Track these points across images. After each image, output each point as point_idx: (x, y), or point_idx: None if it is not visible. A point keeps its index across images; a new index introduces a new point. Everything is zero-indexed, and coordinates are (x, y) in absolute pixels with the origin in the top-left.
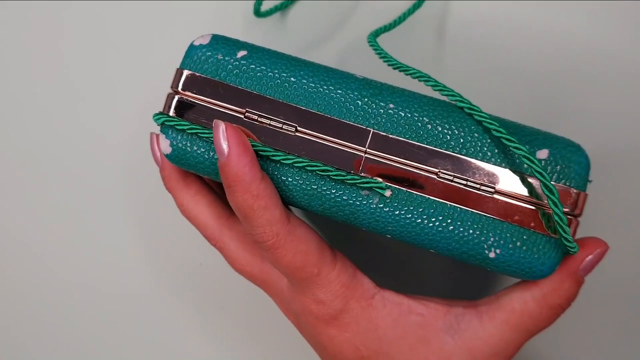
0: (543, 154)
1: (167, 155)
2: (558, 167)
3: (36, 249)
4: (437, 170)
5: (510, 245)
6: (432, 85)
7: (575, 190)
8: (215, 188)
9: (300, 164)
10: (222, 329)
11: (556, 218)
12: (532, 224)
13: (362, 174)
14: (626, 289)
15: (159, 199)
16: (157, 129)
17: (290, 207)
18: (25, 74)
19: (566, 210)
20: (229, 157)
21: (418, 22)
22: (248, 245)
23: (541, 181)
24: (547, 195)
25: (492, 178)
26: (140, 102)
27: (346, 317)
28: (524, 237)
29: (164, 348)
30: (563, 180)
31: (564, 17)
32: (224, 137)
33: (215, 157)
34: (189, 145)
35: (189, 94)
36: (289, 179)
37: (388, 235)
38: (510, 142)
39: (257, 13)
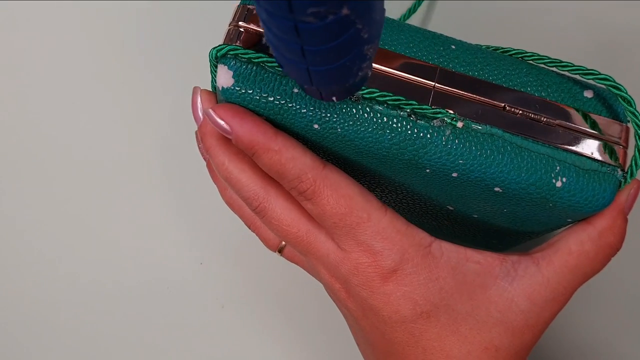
0: (589, 93)
1: (226, 89)
2: (606, 104)
3: (35, 243)
4: (503, 104)
5: (575, 173)
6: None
7: (622, 124)
8: None
9: (372, 95)
10: (223, 328)
11: (638, 146)
12: (593, 154)
13: (434, 106)
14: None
15: (159, 198)
16: (154, 130)
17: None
18: (39, 68)
19: (619, 141)
20: (234, 131)
21: (417, 23)
22: (293, 205)
23: (627, 110)
24: (635, 126)
25: (554, 112)
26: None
27: (406, 268)
28: (587, 165)
29: (164, 347)
30: (612, 115)
31: (564, 14)
32: (219, 118)
33: (283, 88)
34: (254, 75)
35: (254, 27)
36: (360, 113)
37: (454, 174)
38: (592, 74)
39: None
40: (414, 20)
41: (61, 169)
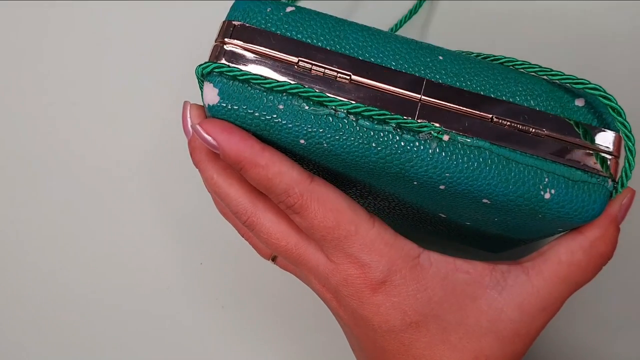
0: (580, 101)
1: (212, 106)
2: (596, 113)
3: (37, 245)
4: (491, 116)
5: (564, 185)
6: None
7: (614, 133)
8: None
9: (357, 110)
10: (223, 328)
11: (628, 157)
12: (583, 164)
13: (419, 120)
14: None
15: (159, 199)
16: (155, 131)
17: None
18: (36, 70)
19: (610, 150)
20: (221, 146)
21: (418, 23)
22: (282, 218)
23: (616, 120)
24: (624, 137)
25: (541, 123)
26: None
27: (395, 279)
28: (576, 176)
29: (164, 347)
30: (603, 124)
31: (565, 11)
32: (206, 133)
33: (268, 104)
34: (239, 92)
35: (239, 43)
36: (346, 127)
37: (442, 187)
38: (582, 83)
39: None
40: (415, 21)
41: (61, 169)
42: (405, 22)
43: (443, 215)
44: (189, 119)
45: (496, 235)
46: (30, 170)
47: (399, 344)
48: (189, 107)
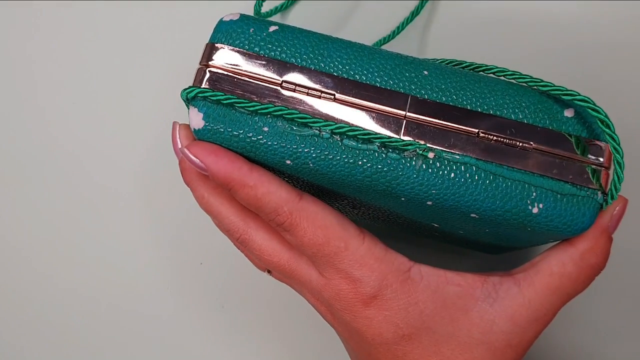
0: (570, 112)
1: (198, 130)
2: (586, 123)
3: (36, 247)
4: (477, 131)
5: (552, 199)
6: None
7: (605, 144)
8: None
9: (341, 130)
10: (223, 328)
11: (617, 169)
12: (571, 177)
13: (404, 137)
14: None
15: (159, 199)
16: (159, 129)
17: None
18: (35, 73)
19: (600, 162)
20: (209, 168)
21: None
22: (273, 235)
23: (605, 132)
24: (613, 150)
25: (529, 136)
26: (146, 103)
27: (386, 293)
28: (565, 190)
29: (164, 347)
30: (593, 135)
31: (563, 12)
32: (193, 156)
33: (253, 126)
34: (224, 116)
35: (222, 65)
36: (331, 147)
37: (429, 203)
38: (571, 95)
39: (258, 14)
40: (417, 23)
41: (61, 168)
42: (407, 23)
43: (436, 225)
44: (178, 141)
45: (490, 243)
46: (30, 170)
47: (392, 356)
48: (177, 128)
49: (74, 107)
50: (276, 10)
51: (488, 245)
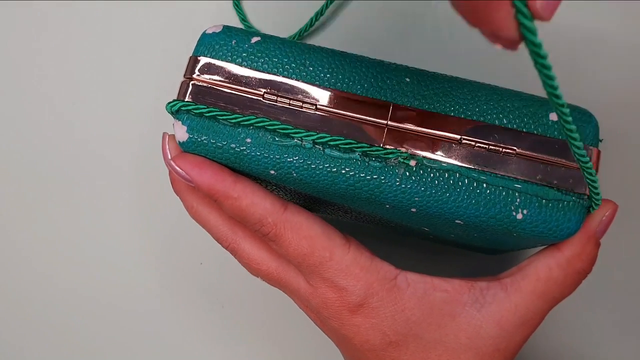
0: (554, 116)
1: (183, 143)
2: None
3: (35, 247)
4: (459, 137)
5: (537, 204)
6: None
7: (591, 148)
8: None
9: (323, 140)
10: (223, 328)
11: (586, 174)
12: (555, 182)
13: (386, 146)
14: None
15: (159, 199)
16: (159, 129)
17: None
18: (31, 73)
19: None
20: (194, 180)
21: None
22: (262, 244)
23: (569, 139)
24: (575, 153)
25: (513, 141)
26: (139, 105)
27: (372, 302)
28: (549, 195)
29: (164, 347)
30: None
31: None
32: (179, 168)
33: (236, 138)
34: (207, 128)
35: (205, 78)
36: (313, 157)
37: (413, 210)
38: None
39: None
40: (416, 22)
41: (61, 168)
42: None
43: (426, 229)
44: (168, 152)
45: (483, 246)
46: (29, 170)
47: None
48: (167, 140)
49: (73, 107)
50: None
51: (482, 247)
